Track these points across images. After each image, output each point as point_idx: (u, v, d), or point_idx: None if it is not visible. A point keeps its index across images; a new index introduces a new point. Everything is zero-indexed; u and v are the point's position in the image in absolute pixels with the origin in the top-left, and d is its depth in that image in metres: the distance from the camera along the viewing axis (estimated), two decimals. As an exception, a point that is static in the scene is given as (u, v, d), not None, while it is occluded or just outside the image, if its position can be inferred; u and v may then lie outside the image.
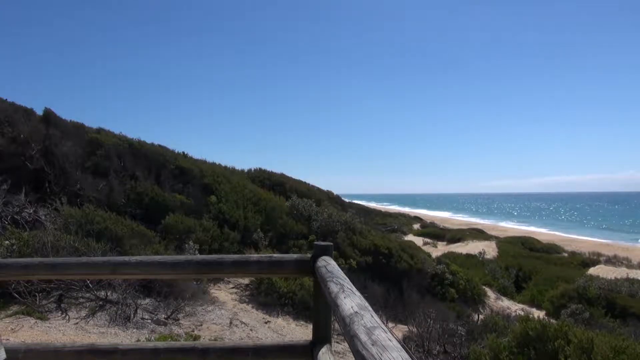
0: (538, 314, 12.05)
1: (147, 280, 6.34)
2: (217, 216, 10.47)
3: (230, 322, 6.31)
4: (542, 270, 18.46)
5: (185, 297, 6.41)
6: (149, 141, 12.79)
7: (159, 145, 13.05)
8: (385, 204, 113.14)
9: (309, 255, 2.55)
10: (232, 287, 8.12)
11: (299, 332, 6.90)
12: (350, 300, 1.60)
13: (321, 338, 2.51)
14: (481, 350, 5.56)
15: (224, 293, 7.76)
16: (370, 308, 1.52)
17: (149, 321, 5.66)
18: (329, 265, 2.22)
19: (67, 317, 5.28)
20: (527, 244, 27.44)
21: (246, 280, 8.24)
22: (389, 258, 12.11)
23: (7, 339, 4.28)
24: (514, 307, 14.05)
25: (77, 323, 5.16)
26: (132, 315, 5.54)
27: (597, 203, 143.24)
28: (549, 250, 26.48)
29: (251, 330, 6.28)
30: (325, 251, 2.47)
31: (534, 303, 14.95)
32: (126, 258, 2.64)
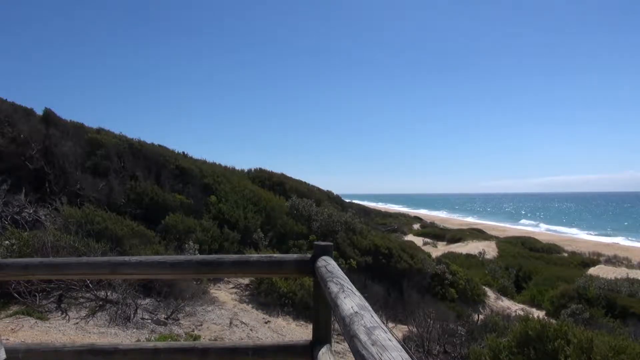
0: (538, 314, 12.05)
1: (147, 280, 6.34)
2: (217, 216, 10.47)
3: (230, 322, 6.31)
4: (542, 270, 18.47)
5: (185, 297, 6.41)
6: (149, 141, 12.80)
7: (159, 145, 13.05)
8: (385, 204, 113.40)
9: (309, 255, 2.55)
10: (232, 287, 8.12)
11: (299, 332, 6.90)
12: (350, 300, 1.60)
13: (321, 338, 2.51)
14: (481, 350, 5.57)
15: (224, 293, 7.76)
16: (370, 308, 1.53)
17: (149, 321, 5.66)
18: (329, 265, 2.23)
19: (67, 317, 5.28)
20: (527, 244, 27.46)
21: (246, 280, 8.23)
22: (389, 258, 12.10)
23: (7, 339, 4.28)
24: (514, 307, 14.05)
25: (77, 323, 5.16)
26: (132, 315, 5.54)
27: (566, 204, 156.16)
28: (549, 250, 26.49)
29: (251, 330, 6.28)
30: (325, 251, 2.47)
31: (534, 303, 14.96)
32: (126, 258, 2.64)
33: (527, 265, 19.71)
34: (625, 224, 58.50)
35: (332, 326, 2.63)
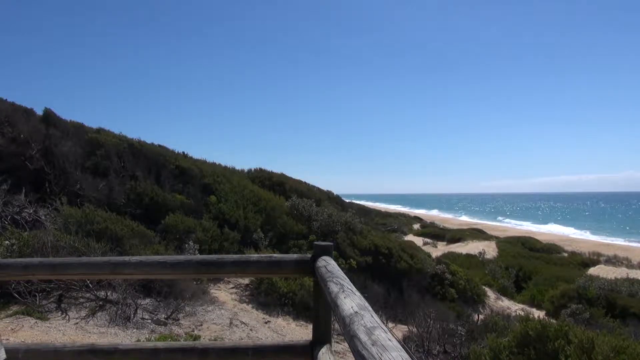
0: (538, 314, 12.05)
1: (147, 280, 6.33)
2: (217, 216, 10.47)
3: (230, 322, 6.31)
4: (542, 270, 18.45)
5: (185, 297, 6.41)
6: (149, 141, 12.81)
7: (159, 145, 13.05)
8: (385, 204, 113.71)
9: (309, 255, 2.55)
10: (232, 287, 8.12)
11: (299, 332, 6.90)
12: (350, 300, 1.60)
13: (321, 338, 2.51)
14: (481, 350, 5.56)
15: (224, 293, 7.76)
16: (370, 308, 1.52)
17: (149, 321, 5.66)
18: (329, 265, 2.22)
19: (67, 317, 5.28)
20: (527, 244, 27.42)
21: (246, 280, 8.23)
22: (389, 258, 12.10)
23: (7, 339, 4.28)
24: (514, 307, 14.05)
25: (77, 323, 5.16)
26: (132, 315, 5.54)
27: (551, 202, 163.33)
28: (549, 250, 26.47)
29: (251, 330, 6.28)
30: (325, 251, 2.46)
31: (534, 303, 14.95)
32: (126, 258, 2.64)
33: (527, 265, 19.70)
34: (628, 227, 58.45)
35: (332, 326, 2.63)
